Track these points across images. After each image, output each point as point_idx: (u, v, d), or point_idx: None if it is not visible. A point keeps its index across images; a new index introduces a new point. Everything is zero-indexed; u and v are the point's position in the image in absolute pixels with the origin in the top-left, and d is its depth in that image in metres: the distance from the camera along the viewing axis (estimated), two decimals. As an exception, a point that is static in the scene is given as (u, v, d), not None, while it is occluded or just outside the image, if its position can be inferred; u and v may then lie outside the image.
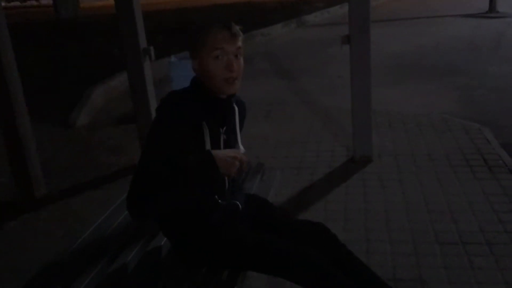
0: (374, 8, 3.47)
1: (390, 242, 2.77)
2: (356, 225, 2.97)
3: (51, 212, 3.46)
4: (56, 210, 3.48)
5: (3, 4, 3.24)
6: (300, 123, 4.88)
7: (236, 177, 1.76)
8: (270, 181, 2.63)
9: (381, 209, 3.14)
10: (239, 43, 1.73)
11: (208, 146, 1.77)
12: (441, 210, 3.06)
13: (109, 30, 10.89)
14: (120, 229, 2.19)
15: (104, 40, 10.00)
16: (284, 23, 11.21)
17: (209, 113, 1.78)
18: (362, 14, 3.50)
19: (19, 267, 2.80)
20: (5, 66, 3.31)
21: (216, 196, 1.88)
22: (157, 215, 1.89)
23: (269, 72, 6.97)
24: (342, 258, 1.90)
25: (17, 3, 18.79)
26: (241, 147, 1.94)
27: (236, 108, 1.90)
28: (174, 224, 1.91)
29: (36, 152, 3.65)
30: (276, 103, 5.50)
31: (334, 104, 5.36)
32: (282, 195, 3.34)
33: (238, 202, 1.94)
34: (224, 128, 1.85)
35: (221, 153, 1.71)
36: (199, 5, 15.54)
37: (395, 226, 2.93)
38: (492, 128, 4.36)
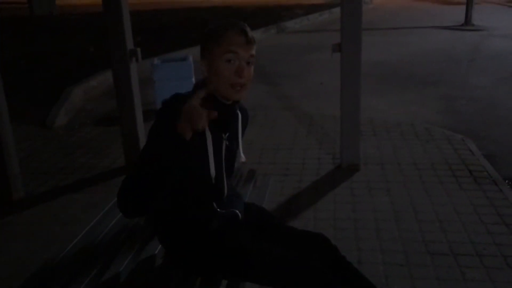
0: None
1: (382, 252, 2.75)
2: (346, 234, 2.95)
3: (30, 215, 3.33)
4: (36, 213, 3.35)
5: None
6: (284, 129, 4.85)
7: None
8: (263, 188, 2.59)
9: (370, 218, 3.13)
10: (253, 51, 1.68)
11: (210, 151, 1.72)
12: (430, 220, 3.07)
13: (86, 28, 10.72)
14: (111, 236, 2.12)
15: (80, 37, 9.81)
16: (264, 29, 11.20)
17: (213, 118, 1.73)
18: (354, 23, 3.50)
19: (-3, 273, 2.68)
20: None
21: (215, 204, 1.83)
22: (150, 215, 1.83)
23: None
24: (342, 269, 1.87)
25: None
26: (243, 156, 1.90)
27: (240, 115, 1.86)
28: (171, 231, 1.85)
29: (15, 152, 3.51)
30: (259, 109, 5.46)
31: (318, 111, 5.37)
32: (270, 202, 3.28)
33: (237, 211, 1.89)
34: (227, 134, 1.80)
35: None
36: (177, 7, 15.41)
37: (386, 235, 2.92)
38: (474, 138, 4.43)
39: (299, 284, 1.68)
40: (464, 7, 11.63)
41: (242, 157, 1.92)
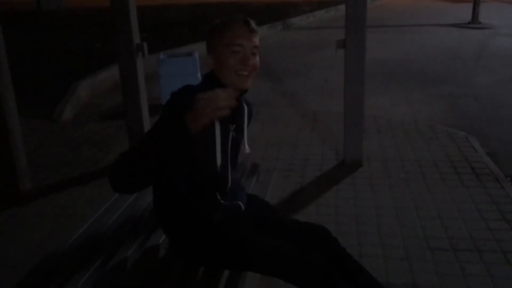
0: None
1: (382, 247, 2.79)
2: (348, 229, 2.98)
3: (36, 207, 3.39)
4: (42, 205, 3.41)
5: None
6: (288, 126, 4.88)
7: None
8: (266, 182, 2.63)
9: (372, 213, 3.16)
10: (257, 41, 1.75)
11: (218, 141, 1.77)
12: (431, 216, 3.10)
13: (92, 23, 10.79)
14: (116, 226, 2.16)
15: (87, 33, 9.88)
16: (270, 25, 11.23)
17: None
18: (359, 19, 3.53)
19: (5, 262, 2.73)
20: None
21: (218, 196, 1.87)
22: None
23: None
24: (342, 261, 1.91)
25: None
26: (247, 147, 1.95)
27: (246, 108, 1.90)
28: (174, 222, 1.89)
29: (22, 145, 3.57)
30: (264, 105, 5.48)
31: (322, 107, 5.40)
32: (272, 197, 3.30)
33: (240, 203, 1.93)
34: (234, 126, 1.85)
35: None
36: (183, 3, 15.46)
37: (386, 231, 2.95)
38: (477, 137, 4.44)
39: (297, 276, 1.72)
40: (471, 5, 11.60)
41: (247, 148, 1.98)
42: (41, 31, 10.52)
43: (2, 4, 14.27)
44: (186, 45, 7.88)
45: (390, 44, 9.13)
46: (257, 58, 1.77)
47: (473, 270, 2.55)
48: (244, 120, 1.92)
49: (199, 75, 5.35)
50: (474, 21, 11.37)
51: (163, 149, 1.58)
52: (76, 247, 2.01)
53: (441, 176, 3.66)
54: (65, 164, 4.12)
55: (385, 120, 4.91)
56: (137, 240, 2.05)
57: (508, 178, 3.63)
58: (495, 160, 3.96)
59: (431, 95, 5.93)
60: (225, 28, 1.74)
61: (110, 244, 2.02)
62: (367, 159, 3.95)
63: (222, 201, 1.88)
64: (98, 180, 3.80)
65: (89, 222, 2.19)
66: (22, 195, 3.52)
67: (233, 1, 15.46)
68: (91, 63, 7.14)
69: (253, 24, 1.75)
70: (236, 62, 1.72)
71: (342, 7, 13.56)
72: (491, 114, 5.23)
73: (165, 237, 2.01)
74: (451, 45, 9.09)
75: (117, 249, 1.98)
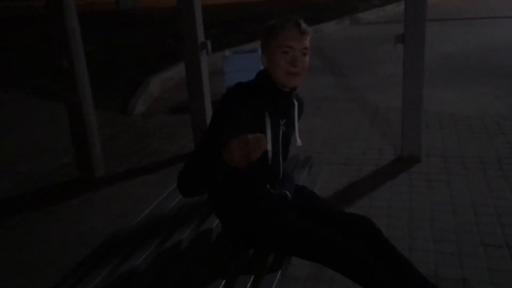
0: (431, 7, 3.51)
1: (434, 241, 2.80)
2: (400, 223, 3.01)
3: (108, 192, 3.69)
4: (113, 191, 3.71)
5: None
6: (348, 120, 4.91)
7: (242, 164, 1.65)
8: (317, 174, 2.73)
9: (426, 208, 3.16)
10: (307, 43, 1.86)
11: (269, 135, 1.90)
12: (488, 213, 3.05)
13: (166, 21, 11.24)
14: (175, 211, 2.35)
15: (160, 30, 10.33)
16: (337, 20, 11.16)
17: (272, 104, 1.91)
18: (418, 13, 3.51)
19: (79, 240, 3.03)
20: (74, 51, 3.55)
21: (268, 185, 2.00)
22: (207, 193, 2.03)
23: (320, 69, 7.01)
24: (385, 253, 1.96)
25: (80, -7, 19.46)
26: (299, 140, 2.08)
27: (296, 103, 2.02)
28: (227, 208, 2.04)
29: (98, 135, 3.89)
30: (325, 99, 5.55)
31: (384, 103, 5.36)
32: (327, 189, 3.42)
33: (287, 192, 2.05)
34: (284, 121, 1.97)
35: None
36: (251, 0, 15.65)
37: (440, 226, 2.95)
38: (548, 134, 4.26)
39: (337, 262, 1.82)
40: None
41: (298, 141, 2.11)
42: (118, 28, 11.12)
43: (85, 3, 15.15)
44: (252, 42, 8.05)
45: (460, 37, 8.80)
46: (307, 58, 1.89)
47: (527, 267, 2.51)
48: (294, 115, 2.04)
49: (262, 70, 5.49)
50: (557, 12, 10.69)
51: (218, 137, 1.76)
52: (139, 227, 2.21)
53: (503, 173, 3.57)
54: (135, 153, 4.42)
55: (449, 115, 4.81)
56: (192, 224, 2.23)
57: None
58: None
59: (501, 90, 5.70)
60: (277, 29, 1.86)
61: (168, 226, 2.21)
62: (426, 155, 3.92)
63: (271, 190, 2.01)
64: (164, 169, 4.06)
65: (151, 206, 2.40)
66: (97, 181, 3.84)
67: (302, -3, 15.45)
68: (163, 59, 7.50)
69: (304, 25, 1.85)
70: (286, 62, 1.84)
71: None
72: None
73: (218, 221, 2.17)
74: (528, 38, 8.62)
75: (174, 231, 2.17)
